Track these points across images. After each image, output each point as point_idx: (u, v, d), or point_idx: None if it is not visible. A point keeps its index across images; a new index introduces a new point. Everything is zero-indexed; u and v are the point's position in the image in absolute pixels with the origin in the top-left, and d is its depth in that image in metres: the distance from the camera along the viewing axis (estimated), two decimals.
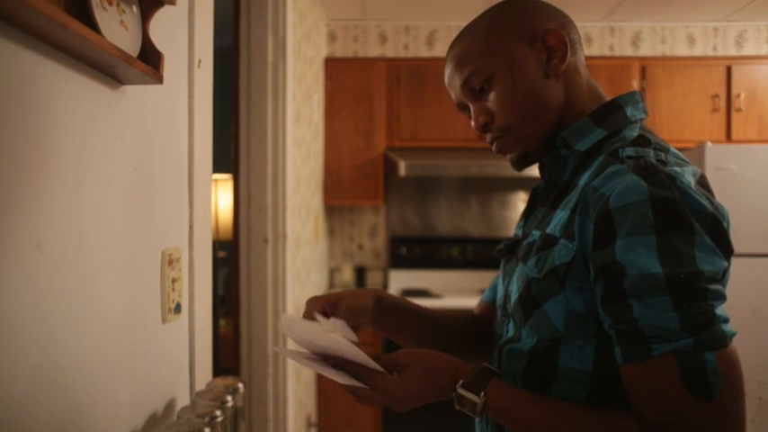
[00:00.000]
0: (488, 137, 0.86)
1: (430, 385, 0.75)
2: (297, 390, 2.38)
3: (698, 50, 3.40)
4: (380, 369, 0.75)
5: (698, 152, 2.75)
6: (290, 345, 1.91)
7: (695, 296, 0.63)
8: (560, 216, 0.76)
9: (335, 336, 0.75)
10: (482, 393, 0.72)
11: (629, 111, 0.81)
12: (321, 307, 0.89)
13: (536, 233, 0.81)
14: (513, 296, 0.81)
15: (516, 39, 0.81)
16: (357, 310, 0.90)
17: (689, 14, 3.27)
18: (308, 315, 0.88)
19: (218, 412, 0.92)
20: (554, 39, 0.80)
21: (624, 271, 0.65)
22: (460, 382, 0.74)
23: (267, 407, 2.14)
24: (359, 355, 0.75)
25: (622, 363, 0.67)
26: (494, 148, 0.86)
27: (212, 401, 0.96)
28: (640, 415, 0.67)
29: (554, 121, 0.82)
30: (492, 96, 0.82)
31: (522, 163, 0.86)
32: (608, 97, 0.84)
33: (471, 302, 2.93)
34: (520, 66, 0.80)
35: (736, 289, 2.65)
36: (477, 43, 0.82)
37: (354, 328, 0.90)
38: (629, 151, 0.72)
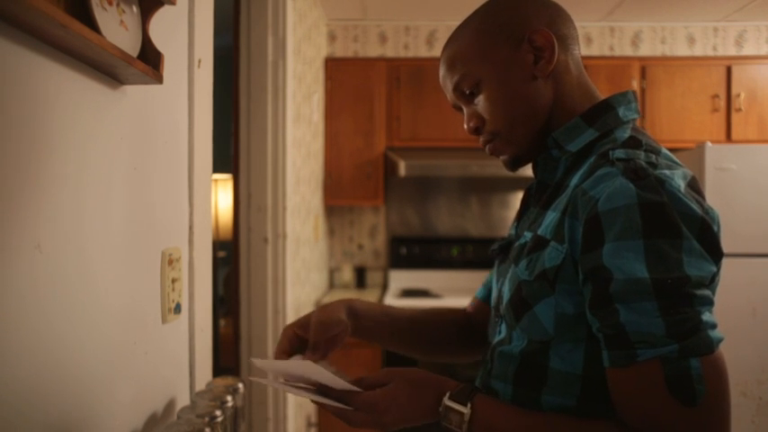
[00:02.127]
0: (481, 140, 0.86)
1: (414, 397, 0.74)
2: None
3: (698, 50, 3.40)
4: (359, 390, 0.74)
5: (698, 152, 2.75)
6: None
7: (682, 301, 0.63)
8: (551, 217, 0.76)
9: (311, 364, 0.74)
10: (469, 405, 0.71)
11: (622, 111, 0.80)
12: (293, 332, 0.89)
13: (528, 234, 0.80)
14: (505, 298, 0.81)
15: (503, 42, 0.80)
16: (327, 323, 0.89)
17: (689, 14, 3.27)
18: (282, 346, 0.88)
19: (218, 412, 0.92)
20: (541, 39, 0.79)
21: (611, 275, 0.65)
22: (447, 394, 0.73)
23: (267, 407, 2.14)
24: (338, 382, 0.74)
25: (608, 367, 0.67)
26: (486, 150, 0.87)
27: (212, 401, 0.96)
28: (625, 422, 0.67)
29: (543, 123, 0.82)
30: (481, 101, 0.83)
31: (514, 164, 0.86)
32: (600, 95, 0.84)
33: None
34: (507, 70, 0.80)
35: (736, 289, 2.67)
36: (465, 48, 0.83)
37: (331, 340, 0.90)
38: (620, 153, 0.72)
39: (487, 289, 1.03)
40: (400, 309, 1.03)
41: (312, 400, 0.76)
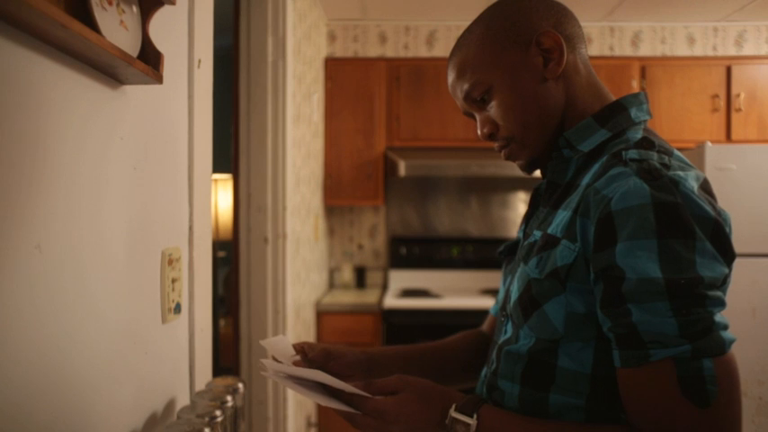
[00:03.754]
0: (496, 145, 0.86)
1: (422, 409, 0.74)
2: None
3: (698, 50, 3.40)
4: (369, 396, 0.74)
5: (698, 152, 2.75)
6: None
7: (694, 302, 0.63)
8: (562, 216, 0.76)
9: (321, 372, 0.75)
10: (475, 416, 0.71)
11: (634, 112, 0.80)
12: (303, 344, 0.91)
13: (537, 233, 0.80)
14: (513, 296, 0.80)
15: (511, 46, 0.80)
16: (332, 354, 0.92)
17: (689, 14, 3.27)
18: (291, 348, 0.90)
19: (217, 412, 0.92)
20: (549, 40, 0.79)
21: (623, 275, 0.65)
22: (453, 406, 0.73)
23: (267, 407, 2.14)
24: (347, 387, 0.74)
25: (620, 366, 0.67)
26: (502, 155, 0.87)
27: (212, 401, 0.96)
28: (635, 425, 0.66)
29: (557, 124, 0.82)
30: (493, 106, 0.83)
31: (530, 167, 0.87)
32: (611, 95, 0.84)
33: (471, 302, 2.93)
34: (517, 74, 0.80)
35: (737, 289, 2.65)
36: (473, 55, 0.82)
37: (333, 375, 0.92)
38: (633, 154, 0.72)
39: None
40: (414, 347, 1.04)
41: (321, 403, 0.76)
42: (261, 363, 0.81)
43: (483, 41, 0.82)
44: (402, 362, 1.00)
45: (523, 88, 0.80)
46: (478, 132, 0.86)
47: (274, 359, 0.91)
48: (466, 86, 0.83)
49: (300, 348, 0.91)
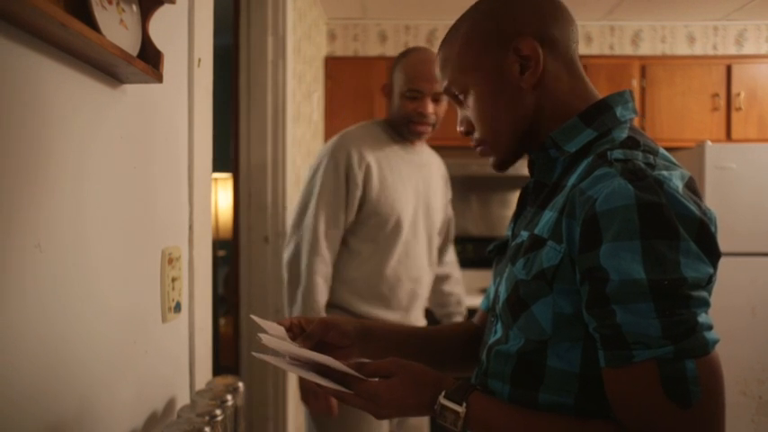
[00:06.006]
0: (472, 142, 0.89)
1: (413, 394, 0.75)
2: (297, 389, 2.38)
3: (698, 49, 3.40)
4: (363, 377, 0.75)
5: (698, 151, 2.75)
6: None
7: (678, 303, 0.63)
8: (548, 217, 0.76)
9: (315, 353, 0.76)
10: (464, 404, 0.72)
11: (619, 111, 0.80)
12: (297, 320, 0.91)
13: (524, 234, 0.80)
14: (502, 297, 0.81)
15: (491, 50, 0.81)
16: (330, 325, 0.91)
17: (689, 13, 3.27)
18: (283, 323, 0.90)
19: (218, 411, 0.92)
20: (527, 48, 0.79)
21: (607, 276, 0.65)
22: (443, 392, 0.74)
23: (267, 407, 2.14)
24: (341, 366, 0.75)
25: (605, 367, 0.68)
26: (477, 152, 0.89)
27: (212, 401, 0.96)
28: (622, 422, 0.67)
29: (527, 129, 0.83)
30: (469, 107, 0.85)
31: (500, 167, 0.89)
32: (598, 94, 0.84)
33: (471, 301, 2.92)
34: (493, 80, 0.81)
35: (736, 289, 2.67)
36: (453, 55, 0.84)
37: (330, 346, 0.91)
38: (618, 154, 0.72)
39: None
40: (410, 327, 1.06)
41: (314, 381, 0.76)
42: (258, 336, 0.81)
43: (464, 43, 0.83)
44: (398, 341, 1.01)
45: (497, 96, 0.82)
46: (456, 128, 0.90)
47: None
48: (445, 83, 0.87)
49: (291, 325, 0.91)
